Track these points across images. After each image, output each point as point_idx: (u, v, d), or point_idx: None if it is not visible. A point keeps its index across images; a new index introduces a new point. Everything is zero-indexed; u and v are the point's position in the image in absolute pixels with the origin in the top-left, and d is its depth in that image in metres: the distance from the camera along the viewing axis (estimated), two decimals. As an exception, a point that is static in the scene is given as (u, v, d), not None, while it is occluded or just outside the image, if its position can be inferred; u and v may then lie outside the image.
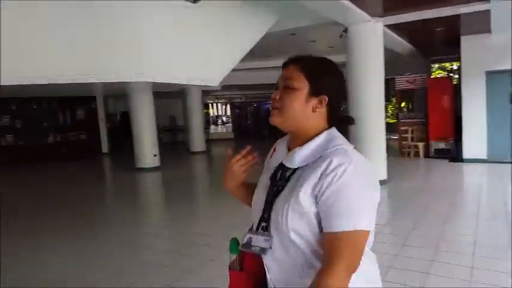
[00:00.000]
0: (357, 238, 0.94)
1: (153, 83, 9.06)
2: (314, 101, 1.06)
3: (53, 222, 5.43)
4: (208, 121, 20.88)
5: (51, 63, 3.06)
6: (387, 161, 6.65)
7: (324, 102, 1.06)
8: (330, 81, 1.08)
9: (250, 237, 1.10)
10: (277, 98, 1.09)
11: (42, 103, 12.57)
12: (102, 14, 3.34)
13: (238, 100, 21.18)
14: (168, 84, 10.83)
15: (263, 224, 1.08)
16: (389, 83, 9.79)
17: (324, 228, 0.96)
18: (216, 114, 26.40)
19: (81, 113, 13.69)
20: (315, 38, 7.80)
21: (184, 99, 13.58)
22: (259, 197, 1.14)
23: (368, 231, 0.97)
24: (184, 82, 4.63)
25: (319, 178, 0.97)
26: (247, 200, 1.29)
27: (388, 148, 6.74)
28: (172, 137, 17.43)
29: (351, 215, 0.93)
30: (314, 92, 1.06)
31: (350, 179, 0.95)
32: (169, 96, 14.59)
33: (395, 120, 11.73)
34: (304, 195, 0.98)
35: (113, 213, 6.15)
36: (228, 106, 24.33)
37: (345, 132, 1.11)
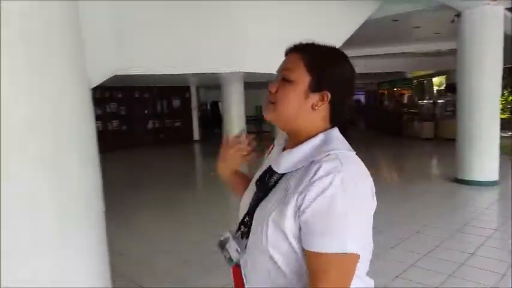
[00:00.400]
0: (343, 262, 0.81)
1: (244, 73, 9.29)
2: (314, 98, 0.91)
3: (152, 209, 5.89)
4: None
5: (160, 56, 3.27)
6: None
7: (326, 99, 0.91)
8: (334, 75, 0.92)
9: (228, 238, 1.01)
10: (273, 91, 0.94)
11: (143, 92, 13.70)
12: (205, 8, 3.47)
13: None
14: (258, 74, 11.01)
15: (243, 228, 0.99)
16: (504, 74, 8.71)
17: (305, 244, 0.84)
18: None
19: (177, 102, 14.65)
20: (419, 23, 7.24)
21: (272, 90, 13.69)
22: (247, 196, 1.04)
23: (357, 255, 0.82)
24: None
25: (304, 188, 0.84)
26: (238, 191, 1.19)
27: (499, 147, 6.02)
28: (258, 127, 17.77)
29: (335, 235, 0.80)
30: (315, 87, 0.91)
31: (335, 194, 0.80)
32: (256, 87, 14.84)
33: (507, 115, 10.44)
34: (290, 208, 0.85)
35: (203, 199, 6.47)
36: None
37: (347, 135, 0.95)
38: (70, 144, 1.71)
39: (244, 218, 1.00)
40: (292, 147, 0.95)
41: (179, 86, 14.40)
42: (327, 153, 0.87)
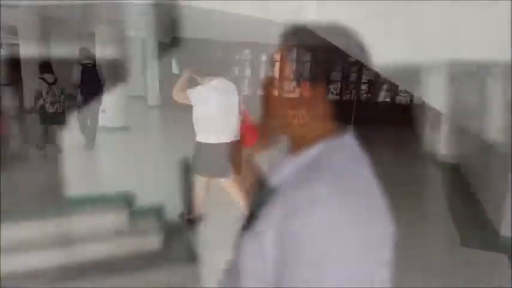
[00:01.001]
0: None
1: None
2: (304, 92, 0.72)
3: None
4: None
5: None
6: None
7: (321, 90, 0.72)
8: (325, 62, 0.72)
9: None
10: (263, 92, 0.81)
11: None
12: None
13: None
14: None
15: None
16: None
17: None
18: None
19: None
20: None
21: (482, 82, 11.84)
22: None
23: None
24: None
25: (283, 217, 0.64)
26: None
27: None
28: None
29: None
30: (301, 80, 0.72)
31: (313, 228, 0.60)
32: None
33: None
34: (268, 241, 0.66)
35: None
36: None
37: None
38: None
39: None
40: (292, 153, 0.77)
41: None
42: (319, 172, 0.67)
